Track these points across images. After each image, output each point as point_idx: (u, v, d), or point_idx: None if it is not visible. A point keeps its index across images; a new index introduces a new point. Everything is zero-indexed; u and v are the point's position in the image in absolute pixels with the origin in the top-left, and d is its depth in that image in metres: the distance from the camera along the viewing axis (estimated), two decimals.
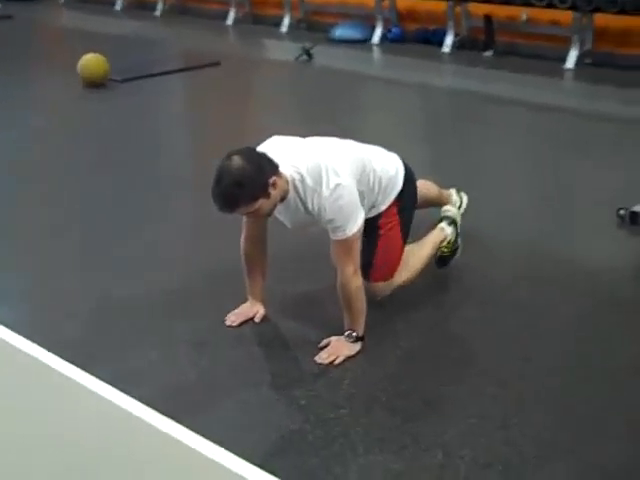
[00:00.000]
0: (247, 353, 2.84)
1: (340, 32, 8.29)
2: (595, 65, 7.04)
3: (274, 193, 2.58)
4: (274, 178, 2.57)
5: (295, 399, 2.55)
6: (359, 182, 2.74)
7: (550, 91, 6.62)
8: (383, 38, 8.19)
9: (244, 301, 3.04)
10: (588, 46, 7.16)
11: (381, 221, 2.92)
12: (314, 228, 2.82)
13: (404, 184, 2.94)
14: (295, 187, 2.63)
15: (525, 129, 5.56)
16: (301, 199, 2.64)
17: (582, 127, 5.51)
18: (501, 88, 6.72)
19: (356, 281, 2.71)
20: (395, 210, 2.94)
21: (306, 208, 2.65)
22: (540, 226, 3.81)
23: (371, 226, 2.85)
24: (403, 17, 8.40)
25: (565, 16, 7.09)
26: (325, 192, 2.59)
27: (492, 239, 3.65)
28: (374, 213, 2.90)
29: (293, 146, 2.75)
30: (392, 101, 6.38)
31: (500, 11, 7.51)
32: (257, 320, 2.99)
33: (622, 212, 3.84)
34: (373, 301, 2.91)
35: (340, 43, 8.13)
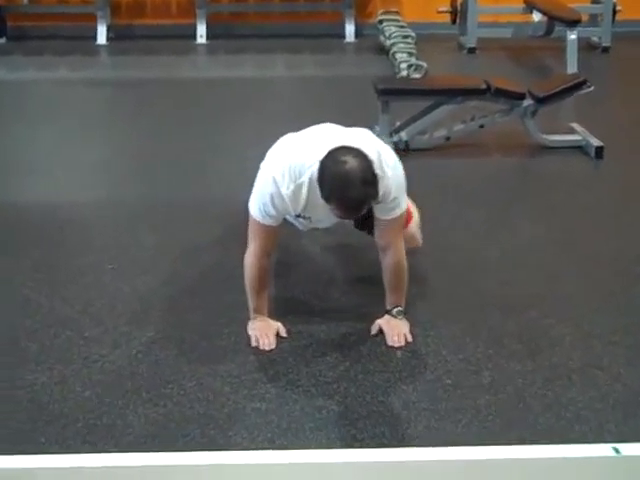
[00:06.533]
0: (330, 365, 2.61)
1: None
2: (118, 38, 7.20)
3: None
4: None
5: None
6: None
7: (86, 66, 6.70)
8: None
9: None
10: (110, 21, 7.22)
11: None
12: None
13: None
14: None
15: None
16: None
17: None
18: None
19: (404, 255, 2.73)
20: None
21: None
22: None
23: None
24: None
25: None
26: (389, 173, 2.53)
27: None
28: None
29: (337, 137, 2.57)
30: None
31: None
32: (284, 334, 2.73)
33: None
34: None
35: None
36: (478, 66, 6.54)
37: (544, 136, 4.56)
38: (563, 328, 2.81)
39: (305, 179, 2.50)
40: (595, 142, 4.46)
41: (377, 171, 2.47)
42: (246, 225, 2.81)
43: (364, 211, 2.43)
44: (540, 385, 2.50)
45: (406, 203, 2.66)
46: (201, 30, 7.23)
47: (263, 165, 2.69)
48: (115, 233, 3.54)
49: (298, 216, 2.67)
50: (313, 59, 6.99)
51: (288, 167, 2.52)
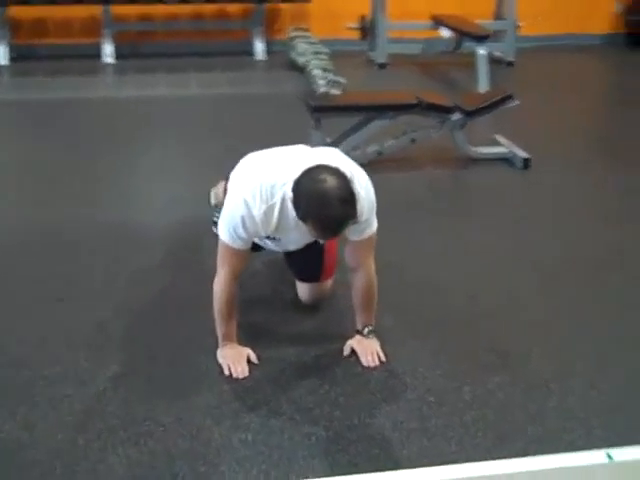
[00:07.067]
0: (308, 390, 2.53)
1: None
2: (20, 59, 6.94)
3: None
4: None
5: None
6: None
7: None
8: None
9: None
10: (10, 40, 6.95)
11: None
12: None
13: None
14: None
15: None
16: None
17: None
18: None
19: (374, 274, 2.70)
20: None
21: None
22: None
23: None
24: None
25: None
26: (362, 193, 2.48)
27: None
28: None
29: (310, 156, 2.50)
30: None
31: None
32: (256, 361, 2.64)
33: None
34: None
35: None
36: (392, 81, 6.62)
37: (473, 148, 4.63)
38: (531, 338, 2.84)
39: (277, 199, 2.44)
40: (521, 153, 4.57)
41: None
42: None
43: (342, 232, 2.38)
44: (521, 397, 2.50)
45: (376, 224, 2.62)
46: (108, 49, 7.06)
47: (230, 187, 2.61)
48: (55, 261, 3.36)
49: (267, 237, 2.61)
50: (225, 77, 6.90)
51: (259, 188, 2.45)
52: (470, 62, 6.63)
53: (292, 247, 2.74)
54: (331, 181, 2.27)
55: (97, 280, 3.21)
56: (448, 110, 4.49)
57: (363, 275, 2.66)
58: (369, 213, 2.54)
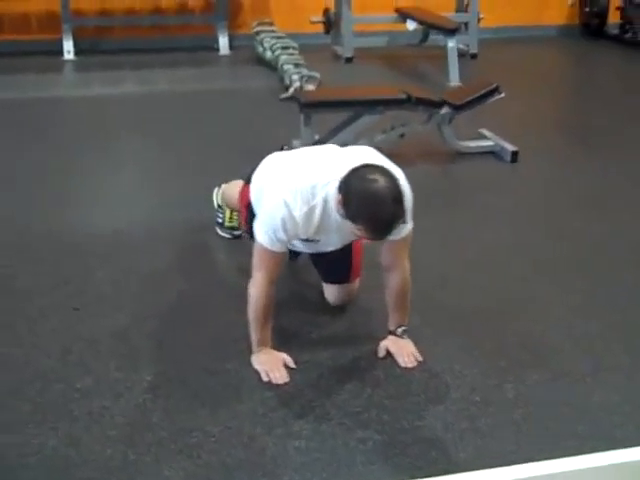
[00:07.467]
0: (352, 394, 2.49)
1: None
2: None
3: None
4: None
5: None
6: None
7: None
8: None
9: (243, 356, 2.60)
10: None
11: None
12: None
13: None
14: None
15: None
16: None
17: None
18: None
19: (409, 273, 2.67)
20: None
21: None
22: None
23: None
24: None
25: None
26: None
27: None
28: None
29: (350, 156, 2.46)
30: None
31: None
32: (293, 365, 2.59)
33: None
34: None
35: None
36: (363, 75, 6.60)
37: (460, 143, 4.64)
38: (557, 332, 2.85)
39: (318, 200, 2.40)
40: (510, 147, 4.60)
41: None
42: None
43: (391, 232, 2.34)
44: (564, 393, 2.51)
45: (412, 222, 2.60)
46: (68, 46, 6.87)
47: (258, 189, 2.56)
48: (60, 269, 3.23)
49: (306, 240, 2.56)
50: (192, 73, 6.79)
51: (300, 189, 2.40)
52: (435, 54, 6.68)
53: (330, 249, 2.70)
54: (382, 181, 2.24)
55: (107, 287, 3.11)
56: (437, 104, 4.48)
57: (398, 274, 2.63)
58: (408, 211, 2.52)
